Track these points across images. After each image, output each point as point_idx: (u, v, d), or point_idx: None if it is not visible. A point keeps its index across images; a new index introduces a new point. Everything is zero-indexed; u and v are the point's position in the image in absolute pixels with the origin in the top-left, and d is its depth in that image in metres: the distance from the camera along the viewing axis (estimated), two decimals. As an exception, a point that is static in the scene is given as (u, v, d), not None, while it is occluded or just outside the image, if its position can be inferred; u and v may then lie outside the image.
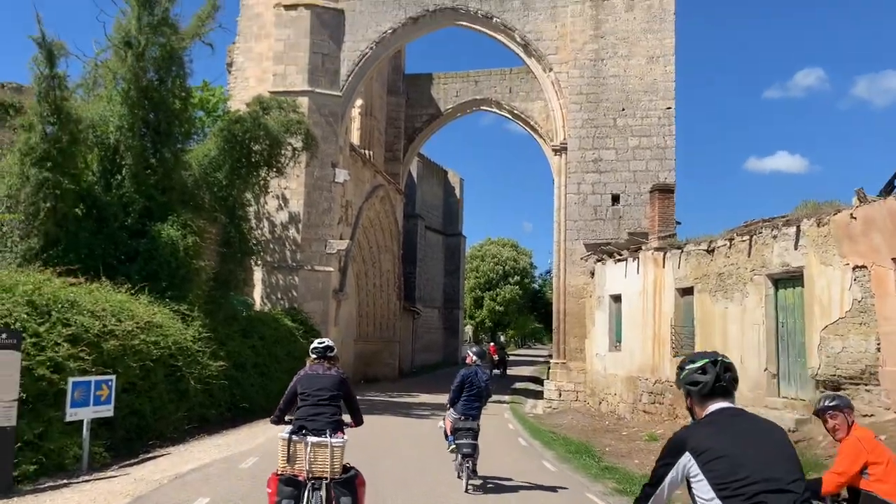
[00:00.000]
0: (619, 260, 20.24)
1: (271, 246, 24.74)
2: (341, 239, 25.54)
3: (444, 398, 20.06)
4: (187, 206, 17.45)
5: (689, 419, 3.25)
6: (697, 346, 16.20)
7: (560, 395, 22.89)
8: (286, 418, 6.53)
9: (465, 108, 34.67)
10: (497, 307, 76.74)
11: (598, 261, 22.42)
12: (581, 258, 23.05)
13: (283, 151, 20.21)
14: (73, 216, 15.77)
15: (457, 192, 60.04)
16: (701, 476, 2.88)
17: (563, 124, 23.80)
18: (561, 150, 23.91)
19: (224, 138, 18.92)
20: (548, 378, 28.33)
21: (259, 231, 23.72)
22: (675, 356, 17.21)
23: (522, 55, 24.73)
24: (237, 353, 17.82)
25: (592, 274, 22.66)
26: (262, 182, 20.52)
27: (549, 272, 40.30)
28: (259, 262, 22.34)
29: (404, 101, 34.92)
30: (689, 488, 2.97)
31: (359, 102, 31.32)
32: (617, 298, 20.79)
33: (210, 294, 18.18)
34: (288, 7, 25.22)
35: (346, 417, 6.67)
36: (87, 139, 16.29)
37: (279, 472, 6.07)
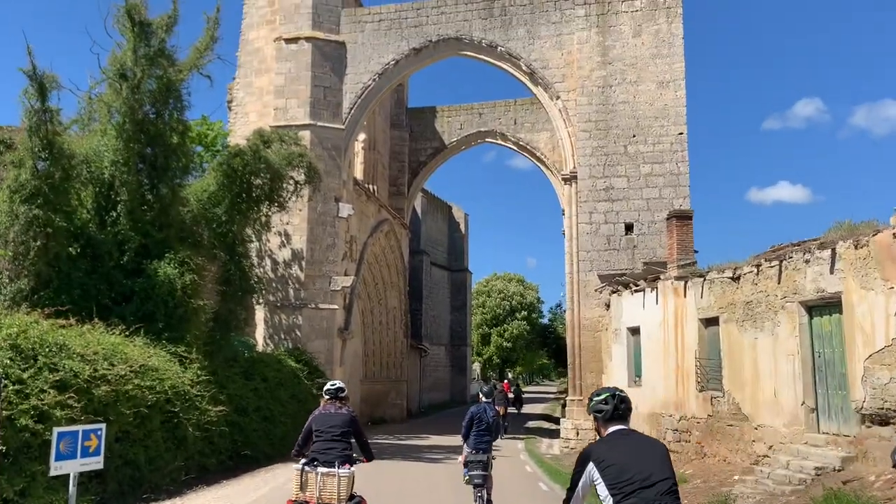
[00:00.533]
0: (636, 290, 19.41)
1: (273, 284, 23.98)
2: (346, 275, 24.78)
3: (456, 440, 19.33)
4: (185, 243, 16.74)
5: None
6: (725, 379, 15.29)
7: (578, 433, 21.86)
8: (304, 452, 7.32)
9: (470, 141, 34.16)
10: (505, 343, 75.56)
11: (614, 292, 21.58)
12: (595, 290, 22.23)
13: (284, 185, 19.56)
14: (66, 255, 15.06)
15: (461, 227, 59.50)
16: (600, 479, 3.88)
17: (573, 153, 23.17)
18: (571, 178, 23.24)
19: (223, 172, 18.28)
20: (563, 416, 27.30)
21: (261, 269, 22.98)
22: (700, 391, 16.30)
23: (528, 84, 24.22)
24: (238, 396, 16.93)
25: (608, 306, 21.80)
26: (263, 218, 19.83)
27: (559, 306, 39.43)
28: (261, 301, 21.54)
29: (408, 134, 34.45)
30: (595, 490, 3.93)
31: (362, 136, 30.83)
32: (635, 331, 19.90)
33: (209, 335, 17.35)
34: (289, 41, 24.84)
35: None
36: (80, 175, 15.64)
37: (293, 500, 6.90)
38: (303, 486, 6.88)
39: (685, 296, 17.12)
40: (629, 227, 22.37)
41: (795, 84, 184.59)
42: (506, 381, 50.26)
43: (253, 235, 20.11)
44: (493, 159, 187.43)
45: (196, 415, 14.08)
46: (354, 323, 29.02)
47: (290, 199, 19.93)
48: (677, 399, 17.28)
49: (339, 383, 7.67)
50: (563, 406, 29.05)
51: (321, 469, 6.90)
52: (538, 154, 32.59)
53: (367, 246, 27.51)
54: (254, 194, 18.89)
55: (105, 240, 15.52)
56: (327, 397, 7.46)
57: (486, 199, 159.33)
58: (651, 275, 18.78)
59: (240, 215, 18.54)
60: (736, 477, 13.65)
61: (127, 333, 13.75)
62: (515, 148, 33.27)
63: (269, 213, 19.85)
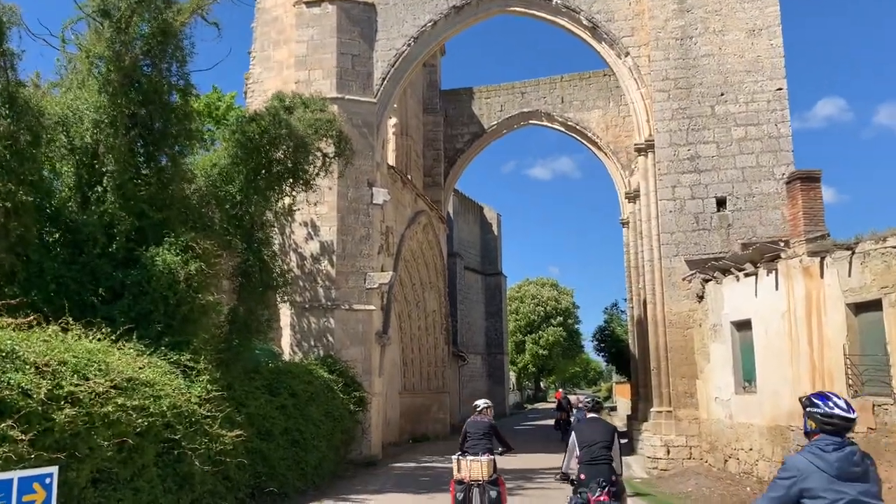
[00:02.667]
0: (747, 274, 15.73)
1: (301, 283, 20.58)
2: (383, 271, 21.32)
3: (525, 457, 17.33)
4: (191, 226, 13.40)
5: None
6: (897, 380, 11.58)
7: (668, 451, 18.15)
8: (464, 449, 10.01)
9: (512, 124, 30.68)
10: (540, 351, 71.81)
11: (707, 280, 17.93)
12: (683, 279, 18.56)
13: (311, 159, 16.17)
14: (38, 241, 11.78)
15: (494, 228, 55.99)
16: (576, 443, 8.16)
17: (648, 117, 19.57)
18: (647, 148, 19.63)
19: (237, 143, 14.96)
20: (639, 430, 23.57)
21: (285, 265, 19.62)
22: (853, 396, 12.57)
23: (590, 40, 20.67)
24: (261, 416, 13.51)
25: (700, 297, 18.14)
26: (286, 199, 16.50)
27: (615, 305, 35.67)
28: (285, 299, 18.16)
29: (442, 119, 31.04)
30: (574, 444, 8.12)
31: (393, 121, 27.49)
32: (743, 325, 16.22)
33: (223, 340, 13.99)
34: (310, 4, 21.53)
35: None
36: (56, 140, 12.37)
37: (455, 479, 9.79)
38: (459, 469, 9.70)
39: (822, 276, 13.43)
40: (721, 203, 18.70)
41: (817, 83, 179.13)
42: (559, 389, 46.63)
43: (274, 220, 16.76)
44: (512, 169, 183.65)
45: (205, 442, 10.64)
46: (392, 328, 25.57)
47: (317, 175, 16.51)
48: (815, 408, 13.56)
49: (482, 402, 10.57)
50: (632, 418, 25.31)
51: (469, 457, 9.67)
52: (589, 134, 29.07)
53: (404, 239, 24.03)
54: (274, 170, 15.55)
55: (88, 221, 12.20)
56: (476, 410, 10.42)
57: (506, 206, 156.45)
58: (765, 254, 15.11)
59: (258, 195, 15.19)
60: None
61: (114, 338, 10.44)
62: (563, 129, 29.77)
63: (294, 193, 16.47)
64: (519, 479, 16.76)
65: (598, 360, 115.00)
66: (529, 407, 70.25)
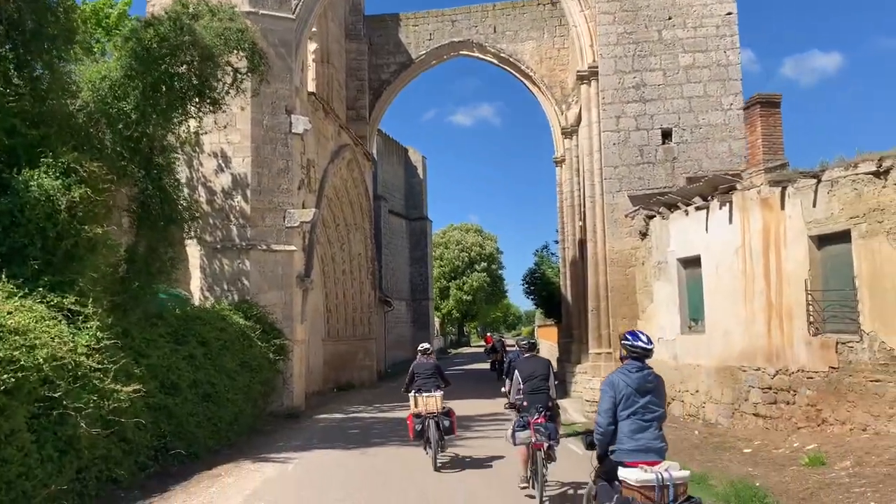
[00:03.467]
0: (698, 208, 14.79)
1: (212, 221, 18.59)
2: (304, 208, 19.50)
3: (462, 406, 16.01)
4: (75, 147, 11.29)
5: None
6: (865, 317, 10.83)
7: (608, 395, 17.37)
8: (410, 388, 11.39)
9: (442, 54, 28.80)
10: (464, 296, 71.36)
11: (650, 217, 16.98)
12: (626, 215, 17.57)
13: (219, 75, 14.09)
14: None
15: (419, 171, 54.34)
16: (519, 377, 9.07)
17: (592, 42, 18.20)
18: (590, 76, 18.31)
19: (132, 53, 12.74)
20: (572, 373, 22.89)
21: (193, 200, 17.60)
22: (815, 335, 11.85)
23: (531, -43, 19.01)
24: (165, 368, 11.76)
25: (644, 235, 17.21)
26: (191, 121, 14.42)
27: (545, 248, 34.82)
28: (192, 234, 16.15)
29: (367, 47, 28.86)
30: (517, 377, 9.10)
31: (313, 47, 25.25)
32: (691, 262, 15.37)
33: (120, 282, 12.08)
34: None
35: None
36: None
37: (413, 413, 11.08)
38: (416, 405, 11.11)
39: (783, 207, 12.55)
40: (667, 135, 17.68)
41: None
42: (490, 335, 46.15)
43: (178, 146, 14.69)
44: (433, 116, 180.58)
45: (95, 400, 8.89)
46: (315, 271, 23.88)
47: (226, 92, 14.43)
48: (769, 348, 12.83)
49: (426, 344, 12.25)
50: (564, 360, 24.66)
51: (424, 394, 11.12)
52: (523, 67, 27.62)
53: (327, 174, 22.15)
54: (176, 86, 13.39)
55: (-59, 137, 9.99)
56: (420, 352, 11.81)
57: (429, 152, 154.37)
58: (718, 185, 14.15)
59: (157, 114, 13.06)
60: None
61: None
62: (496, 61, 28.16)
63: (201, 114, 14.39)
64: (459, 429, 15.65)
65: (518, 306, 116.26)
66: (454, 352, 69.92)
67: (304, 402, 19.49)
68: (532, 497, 8.66)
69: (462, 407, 19.66)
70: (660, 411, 5.57)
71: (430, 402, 10.96)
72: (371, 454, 12.36)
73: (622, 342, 5.77)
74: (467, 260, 71.95)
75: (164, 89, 13.24)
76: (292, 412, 17.94)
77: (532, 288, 33.48)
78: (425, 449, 11.11)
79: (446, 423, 10.96)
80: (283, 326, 18.20)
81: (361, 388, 26.07)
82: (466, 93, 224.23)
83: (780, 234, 12.60)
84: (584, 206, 19.44)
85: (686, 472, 5.37)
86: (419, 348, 11.91)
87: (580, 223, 21.67)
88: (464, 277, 71.08)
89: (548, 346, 41.81)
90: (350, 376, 26.86)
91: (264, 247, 18.50)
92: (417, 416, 10.98)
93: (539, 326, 59.59)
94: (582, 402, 18.28)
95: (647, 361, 5.69)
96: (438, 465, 10.79)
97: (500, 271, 76.39)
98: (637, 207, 17.37)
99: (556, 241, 30.15)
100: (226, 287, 18.45)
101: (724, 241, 14.09)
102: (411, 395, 11.23)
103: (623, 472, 5.32)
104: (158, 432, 10.84)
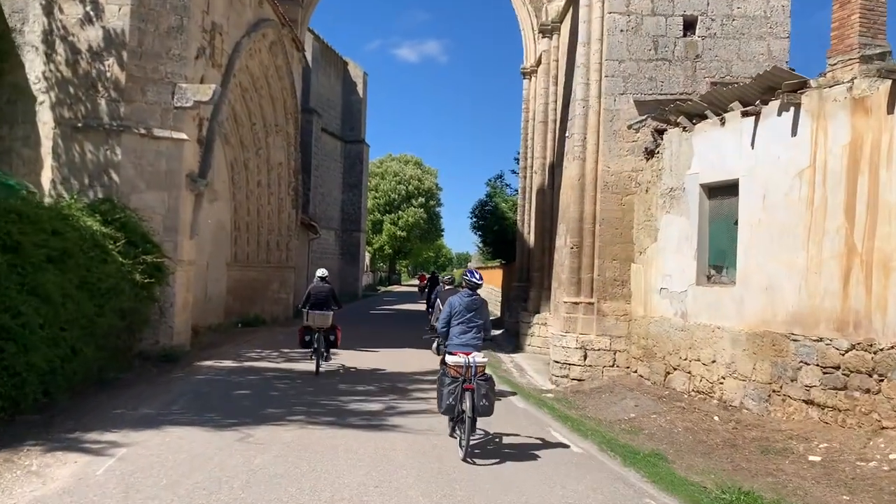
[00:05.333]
0: (745, 113, 10.72)
1: (71, 90, 13.55)
2: (203, 83, 14.60)
3: (393, 358, 15.73)
4: None
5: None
6: None
7: (586, 356, 13.49)
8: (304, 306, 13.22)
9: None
10: (398, 232, 66.99)
11: (660, 131, 12.90)
12: (629, 126, 13.43)
13: None
14: None
15: (359, 89, 49.10)
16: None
17: None
18: (595, -60, 13.81)
19: None
20: (528, 324, 19.00)
21: (49, 63, 12.57)
22: (929, 297, 8.05)
23: None
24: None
25: (651, 153, 13.13)
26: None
27: (500, 177, 30.56)
28: (41, 101, 11.16)
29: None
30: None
31: None
32: (721, 190, 11.41)
33: None
34: None
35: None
36: None
37: (304, 326, 13.16)
38: (308, 319, 13.04)
39: (892, 111, 8.58)
40: (690, 25, 13.48)
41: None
42: (423, 273, 42.17)
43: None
44: (377, 48, 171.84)
45: None
46: (219, 177, 19.11)
47: None
48: (843, 312, 9.01)
49: (325, 271, 13.86)
50: (520, 308, 20.76)
51: (316, 311, 13.01)
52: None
53: (239, 50, 17.07)
54: None
55: None
56: (317, 278, 13.53)
57: (372, 74, 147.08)
58: (782, 81, 10.08)
59: None
60: None
61: None
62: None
63: None
64: (390, 393, 11.47)
65: (450, 248, 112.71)
66: (383, 290, 65.79)
67: (191, 339, 15.03)
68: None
69: (394, 360, 15.50)
70: (480, 322, 8.23)
71: (321, 318, 13.00)
72: (255, 441, 7.80)
73: (462, 277, 8.73)
74: (404, 193, 67.37)
75: None
76: (169, 354, 13.44)
77: (481, 223, 29.28)
78: (312, 357, 13.10)
79: (332, 337, 13.20)
80: (162, 240, 13.55)
81: (273, 325, 21.64)
82: (414, 25, 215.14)
83: (882, 149, 8.66)
84: (565, 118, 15.18)
85: (485, 359, 8.06)
86: (318, 274, 13.62)
87: (554, 142, 17.42)
88: (399, 212, 66.59)
89: (489, 291, 38.13)
90: (260, 309, 22.34)
91: (143, 130, 13.62)
92: (308, 328, 13.05)
93: (480, 268, 55.88)
94: (552, 365, 14.33)
95: None
96: (324, 370, 13.08)
97: (437, 208, 72.17)
98: (645, 117, 13.24)
99: (515, 172, 26.02)
100: (87, 181, 13.59)
101: (780, 161, 10.11)
102: (305, 310, 13.13)
103: (449, 358, 8.02)
104: None
